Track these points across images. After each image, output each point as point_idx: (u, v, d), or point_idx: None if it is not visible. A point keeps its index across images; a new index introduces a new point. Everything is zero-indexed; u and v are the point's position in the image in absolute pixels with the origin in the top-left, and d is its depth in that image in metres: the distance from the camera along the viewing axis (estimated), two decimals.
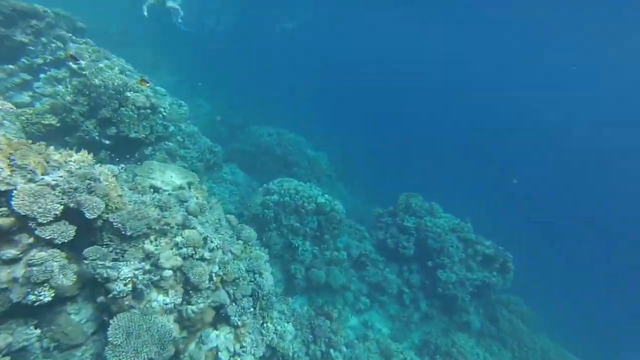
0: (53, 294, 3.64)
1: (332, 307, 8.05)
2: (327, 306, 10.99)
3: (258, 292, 6.41)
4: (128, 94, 7.99)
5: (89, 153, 4.77)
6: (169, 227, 5.24)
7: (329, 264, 11.28)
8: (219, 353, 4.87)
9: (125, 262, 4.34)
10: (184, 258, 5.06)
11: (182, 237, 5.23)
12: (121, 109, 7.82)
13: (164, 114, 8.77)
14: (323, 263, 11.16)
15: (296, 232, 10.90)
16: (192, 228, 5.73)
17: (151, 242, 4.78)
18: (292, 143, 18.66)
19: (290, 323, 7.02)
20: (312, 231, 11.14)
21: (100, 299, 4.13)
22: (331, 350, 6.97)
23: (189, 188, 7.18)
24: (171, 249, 5.12)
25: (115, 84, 7.80)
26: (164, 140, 9.04)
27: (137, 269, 4.30)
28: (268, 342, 5.65)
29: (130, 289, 4.11)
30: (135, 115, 8.02)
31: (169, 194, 6.45)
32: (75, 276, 3.87)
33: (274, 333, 5.92)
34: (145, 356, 3.81)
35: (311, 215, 11.16)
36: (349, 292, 11.67)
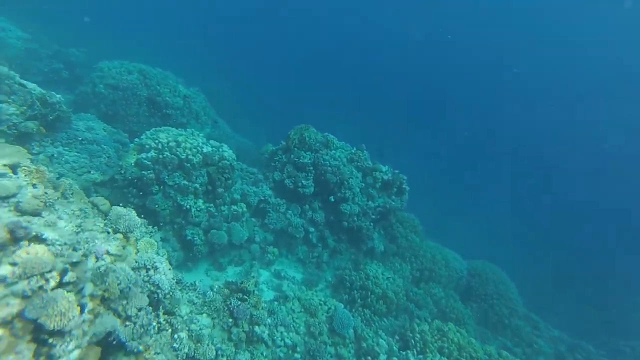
0: None
1: (245, 277, 7.25)
2: (234, 267, 10.07)
3: (157, 294, 5.01)
4: None
5: None
6: None
7: (228, 220, 10.19)
8: None
9: None
10: (24, 297, 3.22)
11: (12, 265, 3.27)
12: None
13: None
14: (222, 221, 9.96)
15: (185, 191, 9.17)
16: (36, 239, 3.70)
17: None
18: (159, 81, 15.10)
19: (204, 314, 5.97)
20: (203, 187, 9.57)
21: None
22: (255, 328, 6.37)
23: (15, 173, 4.63)
24: None
25: None
26: None
27: None
28: (185, 354, 4.57)
29: None
30: None
31: None
32: None
33: (188, 339, 4.83)
34: None
35: (199, 169, 9.41)
36: (255, 244, 10.99)
